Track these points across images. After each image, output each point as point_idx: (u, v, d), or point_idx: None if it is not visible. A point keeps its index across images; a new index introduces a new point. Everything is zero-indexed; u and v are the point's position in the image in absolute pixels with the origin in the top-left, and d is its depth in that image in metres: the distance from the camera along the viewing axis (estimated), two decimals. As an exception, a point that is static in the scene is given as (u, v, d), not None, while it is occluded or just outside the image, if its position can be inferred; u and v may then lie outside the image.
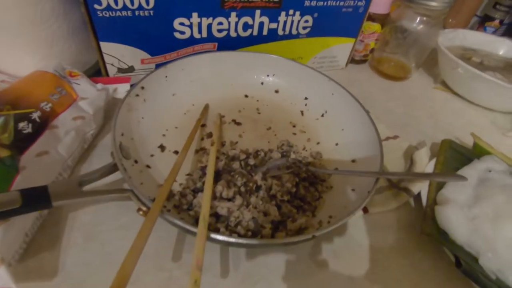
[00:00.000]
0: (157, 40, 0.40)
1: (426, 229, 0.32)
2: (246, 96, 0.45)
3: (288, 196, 0.30)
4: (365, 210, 0.34)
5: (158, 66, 0.43)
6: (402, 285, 0.29)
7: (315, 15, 0.45)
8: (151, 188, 0.29)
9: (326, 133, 0.41)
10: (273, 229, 0.27)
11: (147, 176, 0.31)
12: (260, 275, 0.27)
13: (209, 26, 0.41)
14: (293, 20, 0.45)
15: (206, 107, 0.41)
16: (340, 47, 0.53)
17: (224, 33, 0.43)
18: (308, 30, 0.47)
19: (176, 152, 0.35)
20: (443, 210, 0.33)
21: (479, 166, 0.39)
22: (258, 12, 0.42)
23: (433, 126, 0.49)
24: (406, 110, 0.51)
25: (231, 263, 0.27)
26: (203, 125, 0.39)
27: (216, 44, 0.44)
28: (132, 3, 0.35)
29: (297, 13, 0.44)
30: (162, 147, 0.35)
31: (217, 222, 0.27)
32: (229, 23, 0.42)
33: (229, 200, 0.28)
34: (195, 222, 0.27)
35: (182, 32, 0.41)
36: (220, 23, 0.41)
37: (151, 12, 0.37)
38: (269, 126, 0.41)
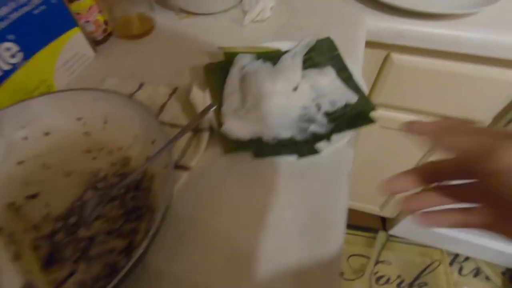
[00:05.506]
0: None
1: (227, 149, 0.39)
2: (20, 162, 0.40)
3: (121, 219, 0.32)
4: (187, 168, 0.39)
5: None
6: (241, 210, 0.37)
7: (11, 37, 0.39)
8: None
9: (119, 134, 0.41)
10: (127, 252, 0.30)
11: None
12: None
13: None
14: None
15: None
16: (73, 42, 0.49)
17: None
18: (20, 55, 0.41)
19: None
20: (226, 126, 0.39)
21: (235, 69, 0.46)
22: None
23: (190, 57, 0.53)
24: (168, 59, 0.53)
25: None
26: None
27: None
28: None
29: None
30: None
31: None
32: None
33: (70, 275, 0.29)
34: None
35: None
36: None
37: None
38: (67, 172, 0.39)
